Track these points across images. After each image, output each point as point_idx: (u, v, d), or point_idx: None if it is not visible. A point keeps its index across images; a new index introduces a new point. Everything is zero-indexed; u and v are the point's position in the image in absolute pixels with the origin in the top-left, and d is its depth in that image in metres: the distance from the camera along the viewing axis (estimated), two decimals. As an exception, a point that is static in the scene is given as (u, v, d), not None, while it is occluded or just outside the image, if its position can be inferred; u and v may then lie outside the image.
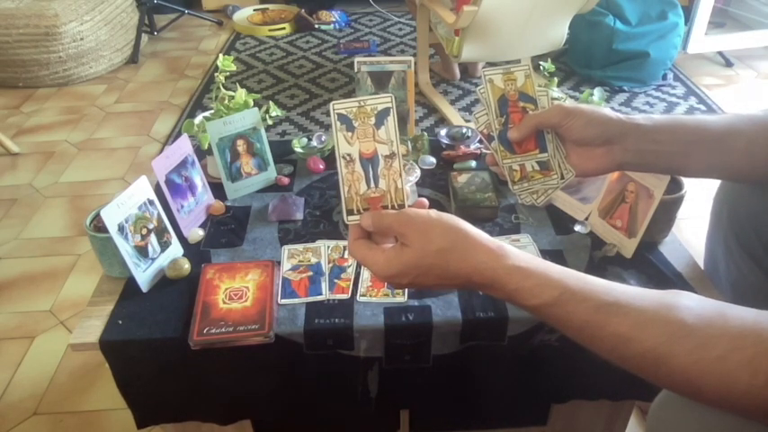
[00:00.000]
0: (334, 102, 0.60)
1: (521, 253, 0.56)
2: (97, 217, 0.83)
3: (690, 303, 0.50)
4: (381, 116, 0.60)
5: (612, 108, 2.39)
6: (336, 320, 0.78)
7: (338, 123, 0.60)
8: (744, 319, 0.48)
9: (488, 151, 0.81)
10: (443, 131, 1.16)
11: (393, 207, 0.61)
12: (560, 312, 0.54)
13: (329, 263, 0.87)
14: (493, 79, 0.77)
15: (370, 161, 0.60)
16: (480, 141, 1.12)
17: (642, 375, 0.51)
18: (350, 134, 0.60)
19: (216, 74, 1.01)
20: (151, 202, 0.84)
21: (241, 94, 1.03)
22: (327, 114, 2.28)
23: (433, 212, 0.58)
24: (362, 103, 0.60)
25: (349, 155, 0.60)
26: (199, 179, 0.96)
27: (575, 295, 0.53)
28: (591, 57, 2.45)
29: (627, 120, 0.70)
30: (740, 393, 0.46)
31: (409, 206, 0.61)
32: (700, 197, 0.93)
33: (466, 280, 0.56)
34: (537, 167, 0.77)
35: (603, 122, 0.70)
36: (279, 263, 0.87)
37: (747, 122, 0.70)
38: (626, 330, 0.51)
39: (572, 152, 0.75)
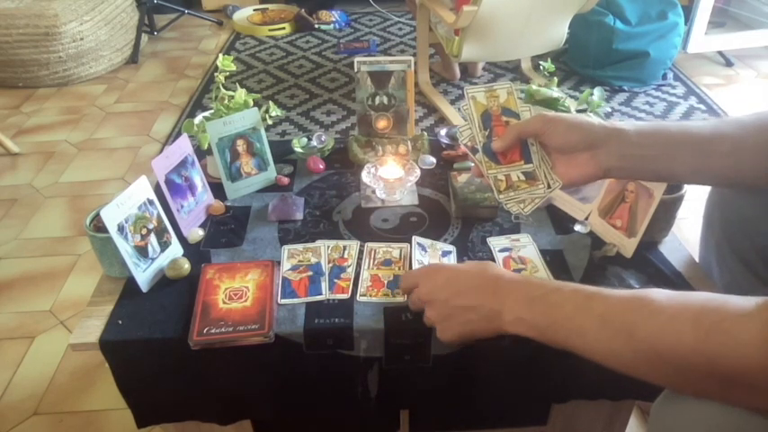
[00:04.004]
0: (414, 236, 0.90)
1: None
2: (97, 217, 0.83)
3: (661, 290, 0.56)
4: (445, 253, 0.89)
5: (612, 108, 2.40)
6: (336, 320, 0.78)
7: (418, 246, 0.88)
8: (701, 293, 0.54)
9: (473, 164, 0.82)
10: (443, 131, 1.16)
11: None
12: (557, 302, 0.60)
13: (329, 263, 0.87)
14: (476, 96, 0.79)
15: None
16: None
17: (623, 363, 0.56)
18: (424, 252, 0.87)
19: (216, 74, 1.01)
20: (151, 202, 0.84)
21: (241, 93, 1.03)
22: (328, 114, 2.29)
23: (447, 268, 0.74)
24: (433, 244, 0.90)
25: (421, 262, 0.85)
26: (199, 179, 0.96)
27: (568, 288, 0.62)
28: (591, 57, 2.45)
29: (608, 124, 0.71)
30: (689, 350, 0.50)
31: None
32: (700, 197, 0.92)
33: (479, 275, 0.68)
34: (522, 177, 0.77)
35: (584, 127, 0.71)
36: (279, 263, 0.87)
37: (734, 126, 0.70)
38: (604, 310, 0.56)
39: (557, 161, 0.76)
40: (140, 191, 0.83)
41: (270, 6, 3.32)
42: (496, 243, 0.91)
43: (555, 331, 0.60)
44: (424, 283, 0.71)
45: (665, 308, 0.53)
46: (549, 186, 0.76)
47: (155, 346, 0.77)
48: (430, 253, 0.87)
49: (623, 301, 0.56)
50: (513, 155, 0.77)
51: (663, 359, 0.52)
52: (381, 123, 1.10)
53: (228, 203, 1.01)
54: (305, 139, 1.15)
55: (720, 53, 2.71)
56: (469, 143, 0.79)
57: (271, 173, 1.05)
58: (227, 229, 0.95)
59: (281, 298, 0.81)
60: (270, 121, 1.03)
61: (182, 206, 0.92)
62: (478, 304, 0.65)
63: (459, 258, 0.88)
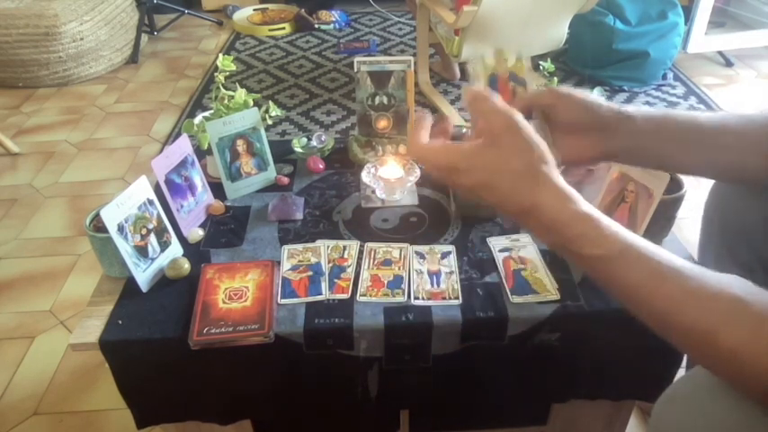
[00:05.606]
0: (411, 246, 0.90)
1: (588, 203, 0.55)
2: (97, 217, 0.83)
3: (747, 285, 0.50)
4: (444, 254, 0.89)
5: (612, 108, 2.38)
6: (336, 320, 0.78)
7: (416, 255, 0.89)
8: None
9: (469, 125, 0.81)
10: (443, 131, 1.16)
11: None
12: (619, 268, 0.52)
13: (329, 263, 0.87)
14: (485, 57, 0.78)
15: (436, 275, 0.86)
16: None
17: (685, 345, 0.51)
18: (422, 260, 0.88)
19: (216, 74, 1.01)
20: (151, 202, 0.84)
21: (241, 93, 1.03)
22: (328, 114, 2.28)
23: (533, 136, 0.55)
24: (431, 249, 0.90)
25: (420, 271, 0.86)
26: (198, 179, 0.96)
27: (639, 253, 0.52)
28: (591, 56, 2.45)
29: (618, 109, 0.69)
30: None
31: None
32: (700, 197, 0.92)
33: (525, 212, 0.55)
34: None
35: (593, 108, 0.69)
36: (279, 263, 0.87)
37: (740, 120, 0.70)
38: (681, 296, 0.50)
39: (561, 138, 0.73)
40: (140, 191, 0.83)
41: (270, 6, 3.32)
42: (496, 243, 0.91)
43: (611, 289, 0.54)
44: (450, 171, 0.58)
45: (760, 320, 0.47)
46: None
47: (155, 346, 0.77)
48: (428, 259, 0.87)
49: (702, 287, 0.50)
50: None
51: (743, 373, 0.47)
52: (381, 123, 1.10)
53: (228, 203, 1.01)
54: (305, 139, 1.15)
55: (720, 53, 2.70)
56: None
57: (271, 173, 1.05)
58: (227, 229, 0.95)
59: (281, 298, 0.81)
60: (270, 121, 1.03)
61: (182, 206, 0.92)
62: (512, 213, 0.57)
63: (459, 259, 0.88)
